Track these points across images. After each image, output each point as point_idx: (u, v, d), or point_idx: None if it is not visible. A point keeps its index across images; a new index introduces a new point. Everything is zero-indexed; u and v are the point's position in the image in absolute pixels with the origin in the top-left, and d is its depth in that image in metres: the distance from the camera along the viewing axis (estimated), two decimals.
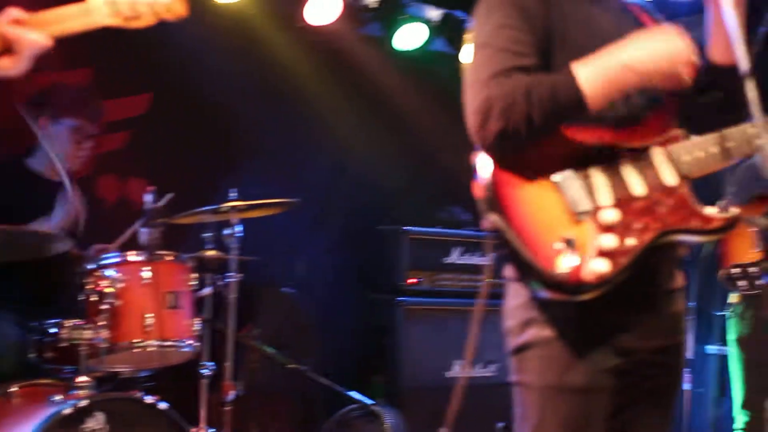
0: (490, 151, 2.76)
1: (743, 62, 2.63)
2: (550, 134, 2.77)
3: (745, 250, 4.91)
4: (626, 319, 2.86)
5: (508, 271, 2.90)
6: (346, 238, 7.66)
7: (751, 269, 4.81)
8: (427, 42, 7.59)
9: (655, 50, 2.74)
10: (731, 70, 2.78)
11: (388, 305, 7.10)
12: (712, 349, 7.93)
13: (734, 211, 2.81)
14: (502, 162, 2.78)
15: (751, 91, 2.58)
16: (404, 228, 7.17)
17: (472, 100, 2.78)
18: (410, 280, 7.11)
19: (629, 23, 3.02)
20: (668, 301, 2.99)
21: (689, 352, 6.40)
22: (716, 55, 2.94)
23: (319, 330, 7.02)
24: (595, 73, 2.73)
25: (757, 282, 4.81)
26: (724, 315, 6.82)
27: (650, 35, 2.77)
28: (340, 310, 7.44)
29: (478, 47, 2.85)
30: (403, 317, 7.02)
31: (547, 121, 2.72)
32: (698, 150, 2.84)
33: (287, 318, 6.80)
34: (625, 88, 2.77)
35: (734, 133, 2.85)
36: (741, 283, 4.91)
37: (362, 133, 7.63)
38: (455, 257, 7.29)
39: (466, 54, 2.90)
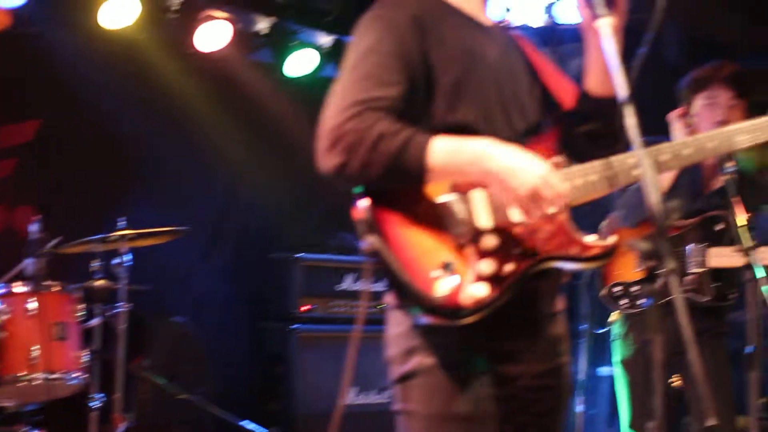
0: (325, 174, 2.72)
1: (621, 90, 2.62)
2: (379, 187, 2.73)
3: (627, 270, 5.00)
4: (508, 345, 2.85)
5: (389, 297, 2.85)
6: (239, 266, 7.61)
7: (633, 288, 4.91)
8: (318, 68, 7.59)
9: (516, 174, 2.67)
10: (610, 100, 2.81)
11: (281, 333, 7.06)
12: (604, 370, 8.05)
13: (612, 239, 2.81)
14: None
15: (629, 118, 2.58)
16: (296, 255, 7.15)
17: (325, 121, 2.71)
18: (303, 308, 7.09)
19: (514, 55, 3.03)
20: (549, 325, 2.99)
21: (582, 374, 6.47)
22: (595, 85, 2.95)
23: (212, 359, 6.94)
24: (446, 155, 2.68)
25: (638, 302, 4.91)
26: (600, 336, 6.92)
27: (527, 159, 2.69)
28: (233, 338, 7.37)
29: (347, 69, 2.79)
30: (296, 345, 6.99)
31: (383, 176, 2.68)
32: (578, 178, 2.84)
33: (179, 347, 6.71)
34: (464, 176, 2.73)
35: (614, 162, 2.86)
36: (622, 301, 5.00)
37: (254, 160, 7.60)
38: (348, 284, 7.29)
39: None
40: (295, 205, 7.82)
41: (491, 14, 3.10)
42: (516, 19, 7.27)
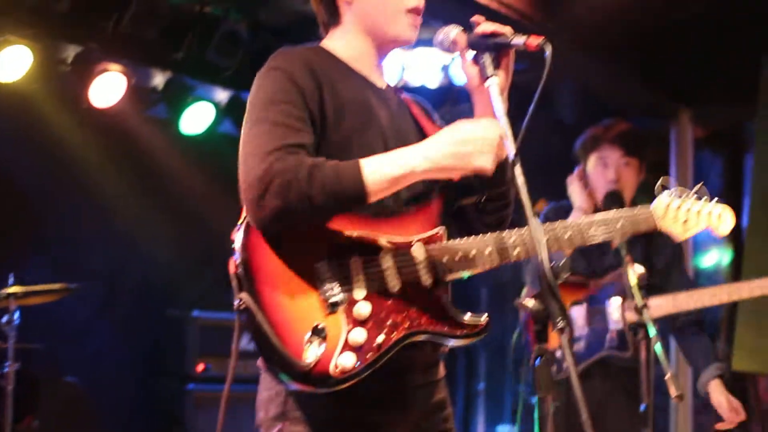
0: (263, 226, 2.68)
1: (510, 150, 2.66)
2: (326, 219, 2.73)
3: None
4: (378, 417, 2.83)
5: (260, 360, 2.80)
6: (135, 323, 7.48)
7: (558, 354, 4.94)
8: (215, 124, 7.54)
9: (458, 146, 2.73)
10: (498, 166, 2.84)
11: (177, 393, 6.95)
12: (503, 429, 8.07)
13: (485, 318, 2.81)
14: (262, 241, 2.72)
15: (519, 178, 2.61)
16: (193, 313, 7.05)
17: (248, 172, 2.69)
18: (199, 367, 6.98)
19: (405, 120, 3.07)
20: (425, 395, 2.97)
21: None
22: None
23: (105, 420, 6.78)
24: (381, 170, 2.70)
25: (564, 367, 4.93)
26: (514, 395, 6.96)
27: (456, 131, 2.76)
28: (128, 398, 7.23)
29: (254, 122, 2.78)
30: (192, 405, 6.87)
31: (326, 205, 2.66)
32: (458, 253, 2.83)
33: (70, 408, 6.54)
34: (406, 185, 2.77)
35: (492, 238, 2.86)
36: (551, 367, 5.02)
37: (151, 216, 7.50)
38: (246, 343, 7.19)
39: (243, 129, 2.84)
40: (193, 262, 7.73)
41: (385, 77, 3.14)
42: (412, 79, 7.34)
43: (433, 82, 7.60)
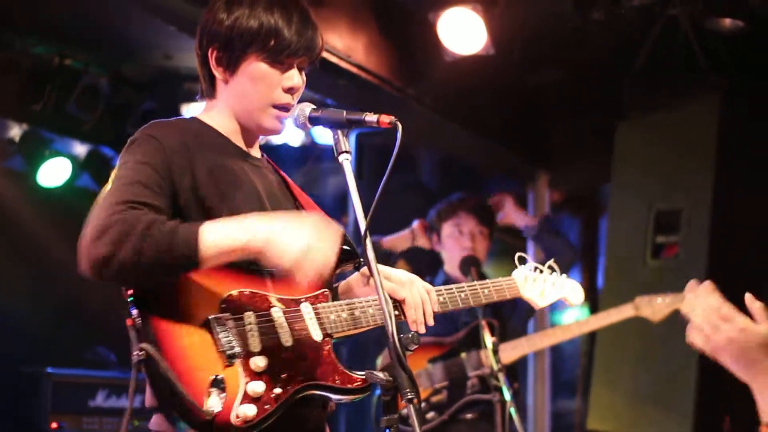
0: (91, 271, 2.67)
1: (362, 224, 2.75)
2: (154, 279, 2.73)
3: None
4: None
5: (153, 422, 2.82)
6: None
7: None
8: (73, 178, 7.42)
9: (289, 232, 2.74)
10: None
11: None
12: None
13: (372, 374, 2.85)
14: (159, 294, 2.74)
15: (369, 251, 2.71)
16: (47, 369, 6.87)
17: (91, 220, 2.69)
18: (53, 425, 6.80)
19: (281, 190, 3.15)
20: None
21: None
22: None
23: None
24: (217, 231, 2.72)
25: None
26: None
27: (295, 221, 2.78)
28: None
29: (115, 178, 2.80)
30: None
31: (155, 263, 2.66)
32: (343, 311, 2.97)
33: None
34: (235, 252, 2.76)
35: (372, 301, 3.01)
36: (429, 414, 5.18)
37: (4, 271, 7.31)
38: (101, 399, 7.05)
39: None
40: (47, 317, 7.55)
41: (258, 149, 3.20)
42: (276, 138, 7.37)
43: (296, 140, 7.65)
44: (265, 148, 3.24)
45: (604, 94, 7.19)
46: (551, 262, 3.56)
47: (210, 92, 3.12)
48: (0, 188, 7.37)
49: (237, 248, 2.73)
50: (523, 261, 3.50)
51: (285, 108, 3.06)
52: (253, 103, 3.03)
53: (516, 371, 5.55)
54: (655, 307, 5.47)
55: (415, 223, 5.84)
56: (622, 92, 6.98)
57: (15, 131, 7.19)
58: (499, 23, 6.05)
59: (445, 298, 3.19)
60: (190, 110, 7.29)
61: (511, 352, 5.38)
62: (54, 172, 7.33)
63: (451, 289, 3.22)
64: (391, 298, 2.91)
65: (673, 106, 6.78)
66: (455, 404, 5.20)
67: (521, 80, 7.51)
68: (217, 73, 3.06)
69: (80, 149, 7.50)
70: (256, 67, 3.01)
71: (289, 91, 3.05)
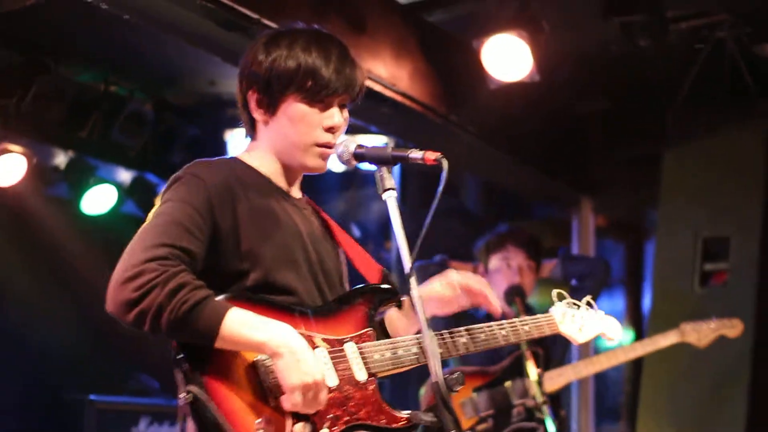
0: (112, 309, 2.68)
1: (406, 265, 2.75)
2: (169, 337, 2.72)
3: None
4: None
5: None
6: (29, 407, 7.28)
7: None
8: (117, 205, 7.46)
9: (297, 367, 2.71)
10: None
11: None
12: None
13: (418, 414, 2.87)
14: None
15: (414, 290, 2.71)
16: (90, 396, 6.89)
17: (128, 256, 2.69)
18: None
19: (320, 230, 3.15)
20: None
21: None
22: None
23: None
24: (241, 326, 2.70)
25: None
26: None
27: (310, 358, 2.74)
28: None
29: (157, 214, 2.81)
30: None
31: (172, 325, 2.65)
32: (387, 351, 2.96)
33: None
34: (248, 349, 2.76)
35: (417, 339, 2.98)
36: None
37: (49, 298, 7.35)
38: (143, 427, 7.06)
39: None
40: (90, 345, 7.58)
41: (299, 189, 3.18)
42: None
43: (339, 166, 7.63)
44: (308, 174, 3.22)
45: (651, 121, 7.15)
46: (589, 298, 3.56)
47: (251, 133, 3.12)
48: (45, 215, 7.41)
49: (252, 344, 2.72)
50: (562, 297, 3.49)
51: (328, 146, 3.04)
52: (294, 143, 3.02)
53: (561, 398, 5.52)
54: (701, 333, 5.44)
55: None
56: (668, 119, 6.93)
57: (60, 159, 7.25)
58: (544, 50, 6.01)
59: (486, 336, 3.17)
60: (233, 136, 7.31)
61: (557, 380, 5.35)
62: (99, 200, 7.38)
63: (491, 326, 3.21)
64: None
65: (721, 132, 6.73)
66: None
67: (566, 107, 7.48)
68: (257, 115, 3.05)
69: (125, 176, 7.55)
70: (295, 108, 2.99)
71: (330, 130, 3.03)
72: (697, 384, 6.21)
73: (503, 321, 3.27)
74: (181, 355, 2.72)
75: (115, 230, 7.53)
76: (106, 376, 7.40)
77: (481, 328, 3.17)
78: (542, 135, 7.38)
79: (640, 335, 8.25)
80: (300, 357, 2.71)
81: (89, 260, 7.49)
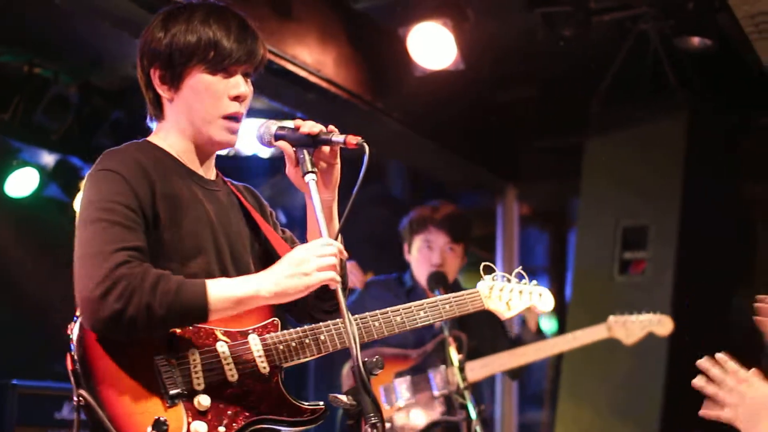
0: (99, 328, 2.67)
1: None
2: (163, 331, 2.74)
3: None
4: None
5: None
6: None
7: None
8: (40, 188, 7.37)
9: (297, 268, 2.79)
10: None
11: None
12: None
13: (321, 404, 2.89)
14: (101, 336, 2.70)
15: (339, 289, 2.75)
16: (12, 381, 6.82)
17: (89, 272, 2.68)
18: None
19: (234, 211, 3.13)
20: None
21: None
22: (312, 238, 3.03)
23: None
24: (225, 293, 2.75)
25: None
26: None
27: (294, 261, 2.80)
28: None
29: (91, 222, 2.77)
30: None
31: (166, 317, 2.68)
32: (294, 341, 2.92)
33: None
34: (249, 308, 2.82)
35: (328, 327, 2.96)
36: None
37: None
38: (66, 412, 7.00)
39: (76, 228, 2.80)
40: (12, 329, 7.49)
41: (213, 171, 3.15)
42: (244, 148, 7.34)
43: (265, 152, 7.63)
44: (235, 160, 3.22)
45: (574, 110, 7.23)
46: (519, 269, 3.51)
47: (158, 114, 3.07)
48: None
49: (246, 298, 2.77)
50: (489, 270, 3.44)
51: (235, 118, 3.02)
52: (201, 116, 2.99)
53: (482, 388, 5.45)
54: (629, 329, 5.36)
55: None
56: (591, 109, 7.02)
57: None
58: (469, 39, 6.07)
59: (403, 318, 3.12)
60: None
61: (479, 371, 5.27)
62: (21, 182, 7.28)
63: (410, 307, 3.16)
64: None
65: (642, 122, 6.83)
66: (422, 424, 5.09)
67: (491, 96, 7.54)
68: (162, 91, 3.01)
69: (48, 159, 7.45)
70: (199, 79, 2.97)
71: (236, 99, 3.01)
72: (617, 370, 6.31)
73: (423, 301, 3.22)
74: (75, 359, 2.68)
75: (38, 213, 7.47)
76: (29, 361, 7.31)
77: (397, 310, 3.14)
78: (467, 123, 7.44)
79: (563, 323, 8.34)
80: (292, 279, 2.78)
81: (11, 243, 7.42)
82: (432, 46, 6.07)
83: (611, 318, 5.35)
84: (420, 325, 3.18)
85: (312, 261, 2.79)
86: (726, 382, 2.65)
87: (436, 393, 5.04)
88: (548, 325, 8.98)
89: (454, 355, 4.59)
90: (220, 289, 2.75)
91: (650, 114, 6.81)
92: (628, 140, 6.91)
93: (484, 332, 5.39)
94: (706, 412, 2.68)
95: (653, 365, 5.59)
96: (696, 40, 6.17)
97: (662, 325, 5.42)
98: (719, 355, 2.69)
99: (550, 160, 8.27)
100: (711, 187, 6.77)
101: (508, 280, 3.44)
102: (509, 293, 3.42)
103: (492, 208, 8.46)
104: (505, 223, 8.44)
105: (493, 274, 3.41)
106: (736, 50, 6.35)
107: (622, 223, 6.79)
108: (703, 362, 2.74)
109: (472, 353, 5.17)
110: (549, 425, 8.24)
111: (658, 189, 6.66)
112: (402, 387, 5.10)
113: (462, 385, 4.48)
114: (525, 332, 5.49)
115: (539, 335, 5.55)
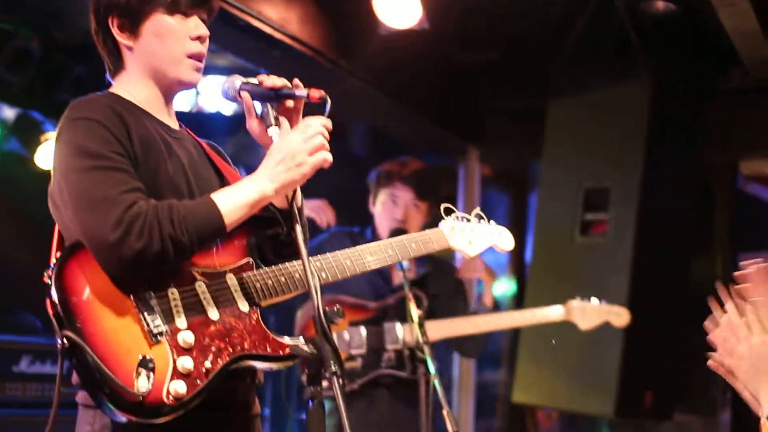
0: (125, 270, 2.71)
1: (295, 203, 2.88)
2: (186, 258, 2.80)
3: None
4: None
5: (80, 396, 2.83)
6: None
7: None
8: (0, 142, 7.31)
9: (289, 159, 2.85)
10: (286, 212, 3.00)
11: None
12: None
13: (302, 340, 2.90)
14: (79, 279, 2.73)
15: (297, 222, 2.80)
16: None
17: (100, 218, 2.69)
18: None
19: (201, 159, 3.15)
20: (247, 427, 3.05)
21: None
22: (278, 200, 3.05)
23: None
24: (235, 203, 2.81)
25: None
26: (299, 423, 6.98)
27: (283, 147, 2.87)
28: None
29: (86, 169, 2.77)
30: None
31: (190, 243, 2.74)
32: (269, 279, 2.97)
33: None
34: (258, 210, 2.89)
35: (297, 265, 3.00)
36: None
37: None
38: (25, 366, 6.98)
39: (63, 179, 2.81)
40: None
41: (175, 119, 3.18)
42: (207, 105, 7.31)
43: (228, 109, 7.59)
44: (197, 117, 3.24)
45: (538, 73, 7.24)
46: (478, 210, 3.56)
47: (118, 64, 3.09)
48: None
49: (254, 201, 2.84)
50: (449, 212, 3.49)
51: (199, 57, 3.06)
52: (165, 58, 3.02)
53: (440, 348, 5.44)
54: (587, 314, 5.40)
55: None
56: (554, 71, 7.04)
57: None
58: None
59: (372, 257, 3.18)
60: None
61: (435, 332, 5.13)
62: None
63: (378, 246, 3.22)
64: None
65: (605, 86, 6.86)
66: (369, 375, 5.12)
67: (455, 56, 7.54)
68: (122, 39, 3.03)
69: (9, 113, 7.38)
70: (160, 22, 3.00)
71: (198, 39, 3.05)
72: (576, 333, 6.36)
73: (389, 239, 3.28)
74: (55, 297, 2.69)
75: None
76: None
77: (367, 248, 3.19)
78: (431, 83, 7.44)
79: (523, 285, 8.39)
80: (285, 151, 2.85)
81: None
82: (397, 4, 6.06)
83: (572, 302, 5.39)
84: (389, 263, 3.24)
85: (301, 147, 2.86)
86: (738, 330, 2.59)
87: (388, 347, 5.07)
88: (507, 287, 9.05)
89: (414, 311, 4.61)
90: (228, 201, 2.81)
91: (614, 77, 6.84)
92: (592, 103, 6.95)
93: (443, 296, 5.42)
94: (712, 361, 2.64)
95: (612, 328, 5.63)
96: (660, 5, 6.21)
97: (619, 316, 5.49)
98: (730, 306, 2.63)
99: (513, 122, 8.28)
100: (673, 152, 6.81)
101: (468, 221, 3.50)
102: (470, 233, 3.50)
103: (454, 168, 8.48)
104: (466, 184, 8.46)
105: (454, 215, 3.48)
106: (700, 16, 6.38)
107: (583, 185, 6.83)
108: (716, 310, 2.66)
109: (429, 314, 5.19)
110: (507, 385, 8.31)
111: (621, 152, 6.70)
112: (356, 336, 5.12)
113: (422, 339, 4.50)
114: (480, 308, 5.52)
115: (495, 310, 5.60)
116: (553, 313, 5.43)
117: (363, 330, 5.13)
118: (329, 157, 2.91)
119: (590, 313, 5.38)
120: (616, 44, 6.88)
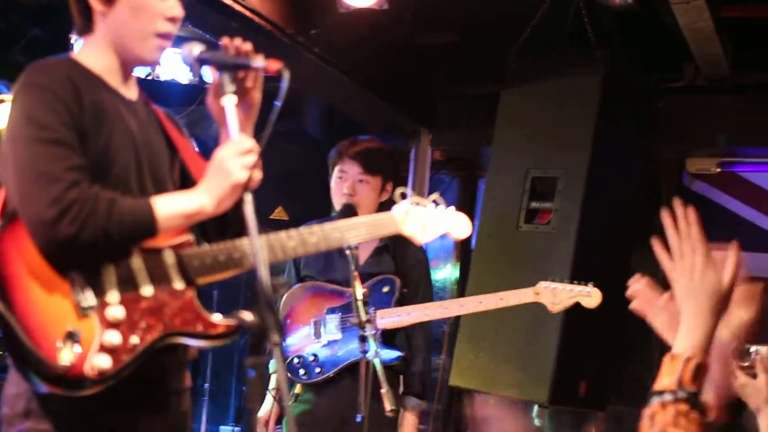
0: (53, 250, 2.70)
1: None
2: (113, 254, 2.78)
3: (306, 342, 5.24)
4: (129, 420, 2.90)
5: (10, 358, 2.82)
6: None
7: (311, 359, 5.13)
8: None
9: (221, 175, 2.88)
10: None
11: None
12: (226, 429, 8.09)
13: (235, 320, 2.93)
14: (13, 247, 2.72)
15: (247, 204, 2.75)
16: None
17: (38, 191, 2.69)
18: None
19: (155, 131, 3.16)
20: (176, 401, 3.07)
21: None
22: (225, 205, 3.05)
23: None
24: (172, 209, 2.85)
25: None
26: (239, 396, 6.99)
27: (217, 171, 2.90)
28: None
29: (29, 141, 2.77)
30: None
31: (120, 240, 2.74)
32: (208, 257, 2.96)
33: None
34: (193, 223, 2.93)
35: (241, 244, 3.00)
36: (301, 372, 5.15)
37: None
38: None
39: (10, 146, 2.80)
40: None
41: (133, 89, 3.18)
42: (163, 73, 7.28)
43: (184, 78, 7.56)
44: (153, 84, 3.24)
45: (493, 59, 7.27)
46: (435, 196, 3.54)
47: (86, 26, 3.08)
48: None
49: (192, 214, 2.88)
50: (404, 197, 3.47)
51: (168, 37, 3.06)
52: (135, 34, 3.02)
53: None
54: (557, 296, 5.27)
55: None
56: (509, 59, 7.07)
57: None
58: None
59: (317, 238, 3.18)
60: (79, 40, 7.13)
61: (389, 319, 5.19)
62: None
63: (325, 228, 3.22)
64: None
65: (558, 76, 6.89)
66: (344, 362, 5.16)
67: (412, 38, 7.56)
68: (95, 4, 3.03)
69: None
70: None
71: (171, 20, 3.06)
72: (515, 320, 6.41)
73: (339, 222, 3.29)
74: None
75: None
76: None
77: (313, 230, 3.19)
78: (387, 64, 7.45)
79: (465, 269, 8.42)
80: (222, 176, 2.88)
81: None
82: None
83: (541, 284, 5.31)
84: (336, 246, 3.26)
85: (235, 161, 2.87)
86: (691, 244, 2.58)
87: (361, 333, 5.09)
88: (451, 272, 9.11)
89: (359, 290, 4.60)
90: (167, 208, 2.83)
91: (567, 68, 6.87)
92: (544, 92, 6.97)
93: (417, 283, 5.44)
94: (662, 256, 2.59)
95: (551, 316, 5.65)
96: None
97: (591, 297, 5.34)
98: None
99: (466, 108, 8.32)
100: (622, 145, 6.88)
101: (425, 207, 3.49)
102: (425, 218, 3.47)
103: (406, 151, 8.50)
104: (417, 166, 8.48)
105: (410, 199, 3.47)
106: (655, 11, 6.44)
107: (531, 173, 6.87)
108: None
109: (403, 300, 5.23)
110: (446, 369, 8.36)
111: (570, 143, 6.74)
112: (332, 323, 5.15)
113: (364, 318, 4.51)
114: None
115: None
116: (523, 295, 5.32)
117: (338, 317, 5.20)
118: (259, 176, 2.94)
119: (560, 295, 5.32)
120: (571, 35, 6.93)
